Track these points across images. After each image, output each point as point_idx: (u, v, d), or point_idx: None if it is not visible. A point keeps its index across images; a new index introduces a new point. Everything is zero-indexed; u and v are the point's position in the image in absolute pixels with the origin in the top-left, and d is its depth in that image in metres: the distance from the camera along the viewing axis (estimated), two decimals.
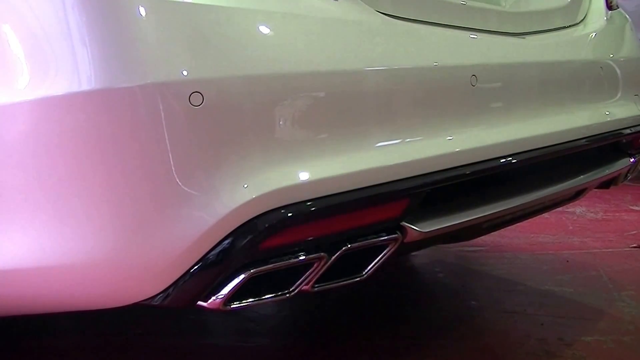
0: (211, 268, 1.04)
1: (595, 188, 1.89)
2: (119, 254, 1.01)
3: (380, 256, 1.22)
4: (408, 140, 1.22)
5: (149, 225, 1.00)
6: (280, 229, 1.06)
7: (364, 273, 1.22)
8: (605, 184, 1.83)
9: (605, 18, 1.89)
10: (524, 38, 1.59)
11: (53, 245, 1.02)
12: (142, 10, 0.97)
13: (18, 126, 0.99)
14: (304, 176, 1.07)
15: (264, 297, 1.13)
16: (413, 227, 1.24)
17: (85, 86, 0.96)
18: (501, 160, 1.38)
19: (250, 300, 1.12)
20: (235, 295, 1.08)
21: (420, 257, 2.62)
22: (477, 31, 1.47)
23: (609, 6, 1.93)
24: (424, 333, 1.91)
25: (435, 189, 1.25)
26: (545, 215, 2.67)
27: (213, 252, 1.03)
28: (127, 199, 0.98)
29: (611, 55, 1.83)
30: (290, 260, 1.11)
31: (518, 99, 1.48)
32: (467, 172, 1.30)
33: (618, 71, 1.81)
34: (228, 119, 1.00)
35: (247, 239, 1.04)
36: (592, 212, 3.38)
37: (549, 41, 1.68)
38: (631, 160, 1.83)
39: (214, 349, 1.82)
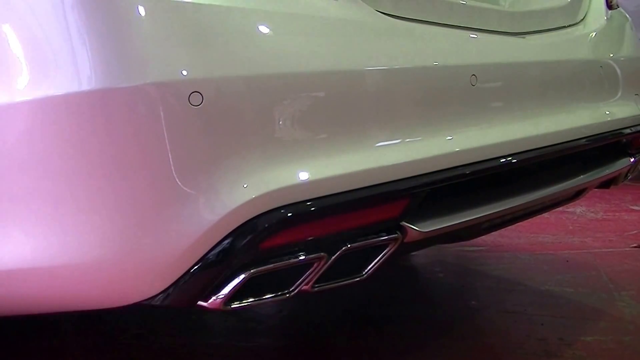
0: (211, 268, 1.04)
1: (596, 188, 1.89)
2: (119, 254, 1.01)
3: (380, 256, 1.22)
4: (408, 140, 1.22)
5: (149, 225, 1.00)
6: (280, 229, 1.06)
7: (364, 273, 1.22)
8: (606, 184, 1.83)
9: (605, 17, 1.89)
10: (523, 37, 1.59)
11: (53, 246, 1.02)
12: (142, 10, 0.97)
13: (18, 126, 0.99)
14: (303, 176, 1.07)
15: (264, 297, 1.13)
16: (413, 227, 1.23)
17: (85, 86, 0.95)
18: (501, 160, 1.38)
19: (250, 300, 1.11)
20: (235, 295, 1.08)
21: (420, 257, 2.62)
22: (477, 31, 1.47)
23: (609, 6, 1.93)
24: (424, 333, 1.91)
25: (435, 189, 1.25)
26: (545, 215, 2.67)
27: (213, 252, 1.03)
28: (126, 199, 0.98)
29: (611, 55, 1.83)
30: (290, 260, 1.11)
31: (518, 99, 1.48)
32: (467, 172, 1.30)
33: (618, 71, 1.81)
34: (227, 118, 1.00)
35: (247, 239, 1.03)
36: (592, 212, 3.38)
37: (549, 41, 1.68)
38: (631, 160, 1.83)
39: (214, 349, 1.82)
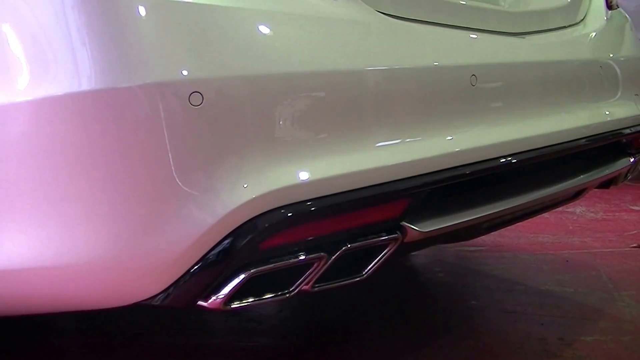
0: (211, 268, 1.04)
1: (595, 188, 1.89)
2: (119, 254, 1.01)
3: (380, 256, 1.22)
4: (408, 140, 1.22)
5: (149, 225, 1.00)
6: (280, 229, 1.06)
7: (364, 273, 1.22)
8: (605, 184, 1.83)
9: (605, 18, 1.89)
10: (523, 38, 1.59)
11: (53, 245, 1.02)
12: (142, 10, 0.97)
13: (18, 126, 0.99)
14: (303, 176, 1.07)
15: (264, 297, 1.13)
16: (413, 227, 1.24)
17: (85, 86, 0.96)
18: (501, 160, 1.38)
19: (250, 300, 1.12)
20: (235, 295, 1.08)
21: (420, 257, 2.62)
22: (476, 31, 1.47)
23: (609, 6, 1.93)
24: (424, 333, 1.91)
25: (435, 188, 1.25)
26: (545, 215, 2.67)
27: (213, 252, 1.03)
28: (126, 199, 0.98)
29: (611, 55, 1.83)
30: (290, 260, 1.11)
31: (518, 99, 1.48)
32: (467, 172, 1.30)
33: (618, 71, 1.81)
34: (228, 118, 1.00)
35: (247, 239, 1.04)
36: (592, 212, 3.38)
37: (549, 41, 1.68)
38: (631, 160, 1.83)
39: (214, 349, 1.82)
